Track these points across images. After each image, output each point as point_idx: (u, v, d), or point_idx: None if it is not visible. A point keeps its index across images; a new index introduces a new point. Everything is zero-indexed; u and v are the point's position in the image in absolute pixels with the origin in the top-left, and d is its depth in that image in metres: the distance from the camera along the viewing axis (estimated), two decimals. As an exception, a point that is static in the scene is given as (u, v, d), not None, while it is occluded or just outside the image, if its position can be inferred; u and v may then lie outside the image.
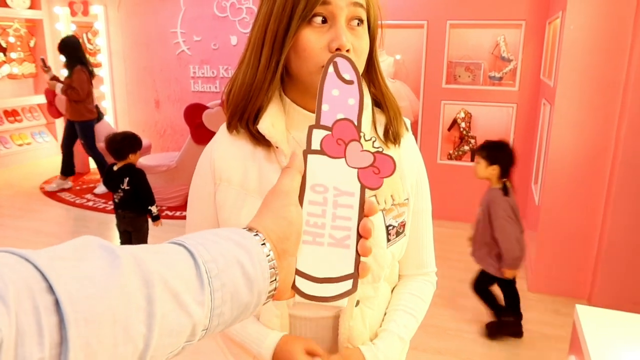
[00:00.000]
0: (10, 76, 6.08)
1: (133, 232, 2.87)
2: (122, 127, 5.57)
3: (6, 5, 5.79)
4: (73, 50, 4.57)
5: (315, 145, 0.54)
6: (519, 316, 2.52)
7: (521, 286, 3.01)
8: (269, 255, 0.47)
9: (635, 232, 2.60)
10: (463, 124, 4.10)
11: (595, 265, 2.81)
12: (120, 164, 2.81)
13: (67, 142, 4.93)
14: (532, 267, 3.02)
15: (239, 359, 0.89)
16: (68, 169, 4.99)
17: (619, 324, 1.26)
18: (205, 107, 4.27)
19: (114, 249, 0.38)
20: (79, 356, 0.33)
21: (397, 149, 0.84)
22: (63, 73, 4.90)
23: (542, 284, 2.97)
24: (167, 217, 4.19)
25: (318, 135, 0.54)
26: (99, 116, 4.99)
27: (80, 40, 4.95)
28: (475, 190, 2.95)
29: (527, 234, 3.49)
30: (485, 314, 2.66)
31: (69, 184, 5.02)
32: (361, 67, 0.75)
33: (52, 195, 4.82)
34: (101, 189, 4.79)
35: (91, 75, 4.67)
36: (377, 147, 0.54)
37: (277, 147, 0.77)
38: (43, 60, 4.90)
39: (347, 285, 0.53)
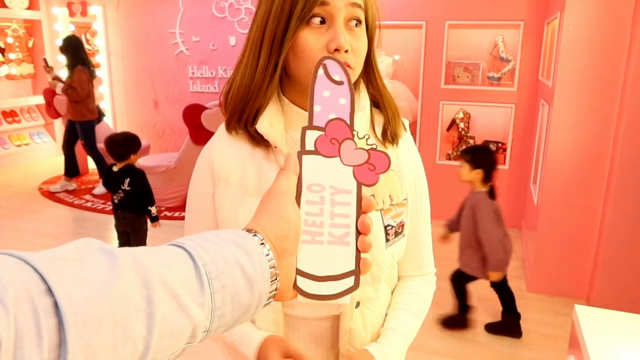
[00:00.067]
0: (9, 77, 6.08)
1: (132, 233, 2.87)
2: (121, 128, 5.57)
3: (4, 6, 5.79)
4: (76, 50, 4.58)
5: (310, 146, 0.55)
6: (517, 316, 2.53)
7: (520, 286, 3.02)
8: (268, 254, 0.47)
9: (634, 232, 2.61)
10: (462, 125, 4.11)
11: (594, 265, 2.82)
12: (120, 165, 2.80)
13: (68, 142, 4.93)
14: (531, 268, 3.02)
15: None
16: (72, 169, 4.99)
17: (618, 324, 1.26)
18: (204, 108, 4.27)
19: (113, 251, 0.38)
20: (78, 358, 0.32)
21: (395, 149, 0.84)
22: (63, 74, 4.90)
23: (541, 284, 2.97)
24: (166, 217, 4.19)
25: (311, 136, 0.55)
26: (100, 116, 4.99)
27: (79, 41, 4.95)
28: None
29: (526, 234, 3.49)
30: (484, 314, 2.66)
31: (73, 185, 5.01)
32: (359, 68, 0.75)
33: (50, 195, 4.82)
34: (100, 189, 4.79)
35: (92, 75, 4.68)
36: (371, 144, 0.55)
37: (275, 147, 0.77)
38: (45, 61, 4.91)
39: (349, 282, 0.53)
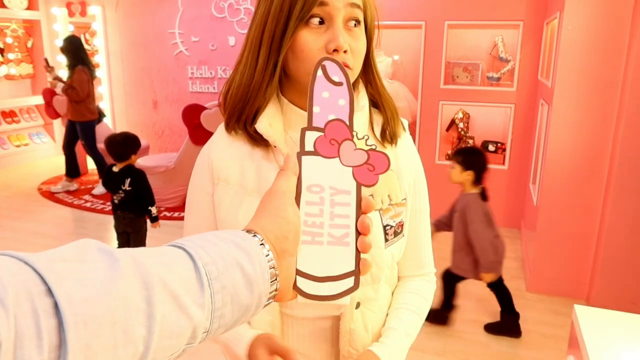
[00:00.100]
0: (8, 77, 6.07)
1: (132, 234, 2.87)
2: (120, 128, 5.57)
3: (3, 6, 5.78)
4: (76, 50, 4.59)
5: (309, 147, 0.55)
6: (515, 315, 2.53)
7: (520, 286, 3.02)
8: (268, 255, 0.47)
9: (633, 232, 2.61)
10: (461, 125, 4.11)
11: (593, 265, 2.82)
12: (120, 165, 2.80)
13: (68, 143, 4.92)
14: (531, 268, 3.02)
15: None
16: (73, 170, 4.99)
17: (618, 324, 1.26)
18: (204, 108, 4.27)
19: (113, 251, 0.38)
20: (78, 359, 0.32)
21: (394, 149, 0.84)
22: (63, 74, 4.90)
23: (541, 284, 2.97)
24: (166, 217, 4.19)
25: (311, 136, 0.55)
26: (100, 117, 4.99)
27: (79, 41, 4.95)
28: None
29: (526, 235, 3.49)
30: (483, 314, 2.67)
31: (74, 185, 4.99)
32: (358, 68, 0.75)
33: (50, 196, 4.81)
34: (99, 189, 4.78)
35: (92, 76, 4.68)
36: (371, 145, 0.55)
37: (275, 147, 0.77)
38: (46, 60, 4.91)
39: (349, 282, 0.53)
